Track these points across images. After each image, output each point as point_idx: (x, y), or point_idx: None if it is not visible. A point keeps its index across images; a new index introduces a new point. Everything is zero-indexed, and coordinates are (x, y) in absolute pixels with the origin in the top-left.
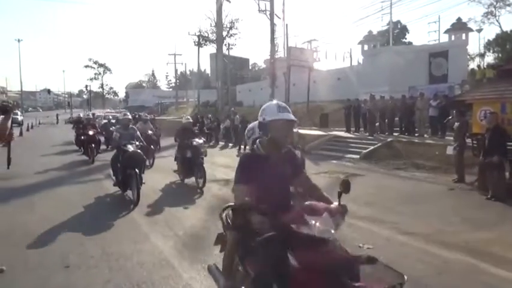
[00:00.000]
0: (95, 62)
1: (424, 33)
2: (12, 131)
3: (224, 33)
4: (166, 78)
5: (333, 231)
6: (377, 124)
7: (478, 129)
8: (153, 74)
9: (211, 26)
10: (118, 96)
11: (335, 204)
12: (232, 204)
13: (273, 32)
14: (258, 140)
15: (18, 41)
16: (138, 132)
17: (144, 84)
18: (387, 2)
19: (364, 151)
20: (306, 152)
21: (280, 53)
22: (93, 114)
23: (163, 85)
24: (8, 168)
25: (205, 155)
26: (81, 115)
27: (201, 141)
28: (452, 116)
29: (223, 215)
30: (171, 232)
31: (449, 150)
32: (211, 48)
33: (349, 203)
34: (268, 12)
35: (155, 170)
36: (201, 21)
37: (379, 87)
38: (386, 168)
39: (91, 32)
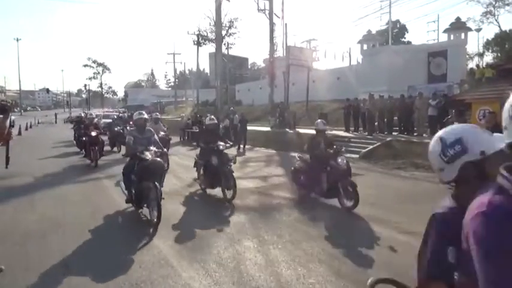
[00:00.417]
0: (94, 61)
1: (423, 33)
2: (11, 130)
3: (223, 33)
4: (165, 77)
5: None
6: (376, 124)
7: None
8: (152, 74)
9: (210, 25)
10: (117, 95)
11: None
12: None
13: (272, 31)
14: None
15: (17, 40)
16: (155, 136)
17: (143, 84)
18: (386, 2)
19: (363, 151)
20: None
21: (280, 52)
22: (85, 113)
23: (162, 84)
24: (7, 167)
25: (235, 162)
26: (83, 114)
27: (228, 145)
28: (451, 115)
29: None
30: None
31: None
32: (211, 48)
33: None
34: (267, 12)
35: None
36: (200, 21)
37: (378, 86)
38: (386, 167)
39: (90, 31)
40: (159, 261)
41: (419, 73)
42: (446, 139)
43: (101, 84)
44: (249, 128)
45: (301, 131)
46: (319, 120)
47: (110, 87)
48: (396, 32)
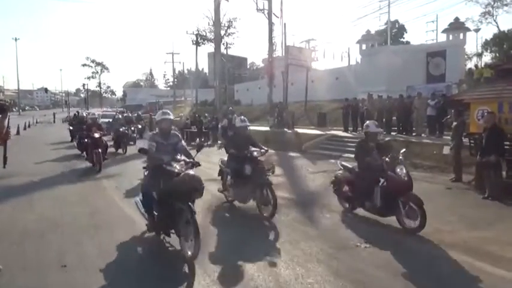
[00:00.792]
0: (93, 61)
1: (422, 33)
2: (9, 130)
3: (222, 32)
4: (164, 77)
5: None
6: None
7: (476, 129)
8: (151, 73)
9: (209, 25)
10: (115, 95)
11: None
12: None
13: (271, 31)
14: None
15: (15, 39)
16: (183, 142)
17: (141, 83)
18: (385, 2)
19: None
20: (303, 151)
21: (278, 52)
22: (77, 113)
23: (161, 84)
24: (4, 167)
25: (273, 172)
26: (84, 114)
27: (263, 150)
28: (450, 115)
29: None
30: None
31: (446, 150)
32: (209, 47)
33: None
34: (266, 11)
35: None
36: (199, 20)
37: (377, 86)
38: None
39: (88, 30)
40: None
41: (418, 73)
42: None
43: (100, 83)
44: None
45: (300, 130)
46: (369, 121)
47: (108, 87)
48: (395, 32)
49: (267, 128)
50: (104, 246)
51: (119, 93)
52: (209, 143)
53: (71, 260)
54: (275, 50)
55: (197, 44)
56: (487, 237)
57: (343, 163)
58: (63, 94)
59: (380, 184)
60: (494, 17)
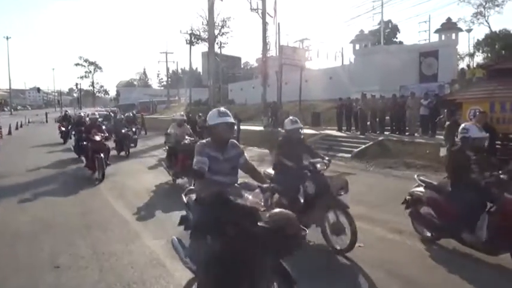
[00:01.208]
0: (85, 60)
1: (414, 33)
2: (1, 130)
3: (216, 32)
4: (158, 76)
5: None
6: (368, 123)
7: None
8: (144, 73)
9: (203, 24)
10: (109, 94)
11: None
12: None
13: (265, 30)
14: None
15: (7, 38)
16: (245, 155)
17: (135, 83)
18: (378, 2)
19: (356, 150)
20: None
21: (272, 51)
22: (66, 112)
23: (154, 83)
24: None
25: (347, 191)
26: (82, 114)
27: (326, 161)
28: (443, 115)
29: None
30: None
31: (443, 152)
32: (203, 47)
33: None
34: (260, 11)
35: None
36: (193, 20)
37: (370, 86)
38: (378, 167)
39: (81, 29)
40: (151, 261)
41: (410, 73)
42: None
43: (93, 83)
44: (242, 127)
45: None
46: (468, 124)
47: (101, 86)
48: (388, 32)
49: (261, 128)
50: (97, 245)
51: (112, 93)
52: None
53: (64, 261)
54: (269, 50)
55: (191, 43)
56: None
57: (423, 178)
58: (56, 93)
59: (487, 210)
60: (486, 17)
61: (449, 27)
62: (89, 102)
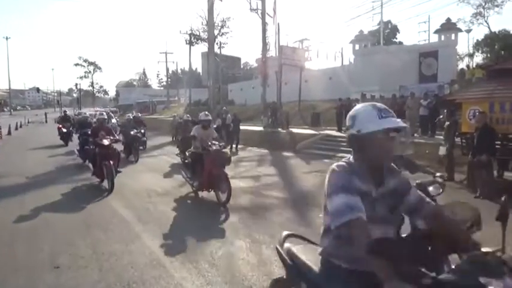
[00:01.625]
0: (85, 60)
1: (414, 33)
2: (0, 130)
3: (216, 32)
4: (158, 76)
5: None
6: None
7: (467, 129)
8: (144, 73)
9: (202, 24)
10: (108, 94)
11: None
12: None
13: (264, 30)
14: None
15: (6, 38)
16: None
17: (135, 83)
18: (378, 2)
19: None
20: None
21: (272, 52)
22: (65, 112)
23: (154, 84)
24: None
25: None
26: (87, 114)
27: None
28: (442, 115)
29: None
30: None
31: (442, 151)
32: (203, 47)
33: None
34: (259, 11)
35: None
36: (193, 20)
37: (370, 86)
38: None
39: (81, 29)
40: (151, 261)
41: (410, 73)
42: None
43: (92, 83)
44: (241, 127)
45: (294, 130)
46: None
47: (101, 87)
48: (388, 32)
49: (261, 128)
50: (97, 245)
51: (112, 93)
52: None
53: (64, 261)
54: (269, 50)
55: (190, 43)
56: (479, 236)
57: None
58: (55, 94)
59: None
60: (486, 18)
61: (448, 27)
62: (88, 102)
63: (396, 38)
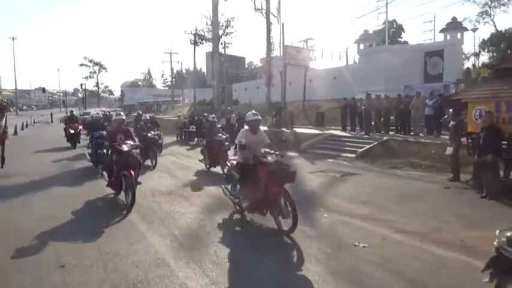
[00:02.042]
0: (90, 61)
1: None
2: (7, 130)
3: (220, 32)
4: (162, 76)
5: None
6: (373, 123)
7: (473, 128)
8: (149, 73)
9: (207, 24)
10: (113, 94)
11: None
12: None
13: (269, 30)
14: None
15: (13, 39)
16: None
17: (139, 83)
18: (383, 1)
19: (360, 150)
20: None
21: (277, 51)
22: (72, 112)
23: (159, 84)
24: (2, 167)
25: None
26: (100, 114)
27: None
28: (448, 115)
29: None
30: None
31: (449, 151)
32: (208, 47)
33: (345, 202)
34: (264, 11)
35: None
36: (197, 20)
37: (375, 86)
38: (382, 167)
39: (86, 30)
40: (155, 260)
41: (415, 73)
42: None
43: (97, 83)
44: (246, 127)
45: (298, 130)
46: None
47: (106, 87)
48: (393, 31)
49: (265, 128)
50: (102, 245)
51: (117, 93)
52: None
53: (69, 260)
54: (273, 50)
55: (195, 43)
56: (485, 236)
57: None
58: (61, 94)
59: None
60: (492, 16)
61: (454, 26)
62: (93, 102)
63: (401, 38)
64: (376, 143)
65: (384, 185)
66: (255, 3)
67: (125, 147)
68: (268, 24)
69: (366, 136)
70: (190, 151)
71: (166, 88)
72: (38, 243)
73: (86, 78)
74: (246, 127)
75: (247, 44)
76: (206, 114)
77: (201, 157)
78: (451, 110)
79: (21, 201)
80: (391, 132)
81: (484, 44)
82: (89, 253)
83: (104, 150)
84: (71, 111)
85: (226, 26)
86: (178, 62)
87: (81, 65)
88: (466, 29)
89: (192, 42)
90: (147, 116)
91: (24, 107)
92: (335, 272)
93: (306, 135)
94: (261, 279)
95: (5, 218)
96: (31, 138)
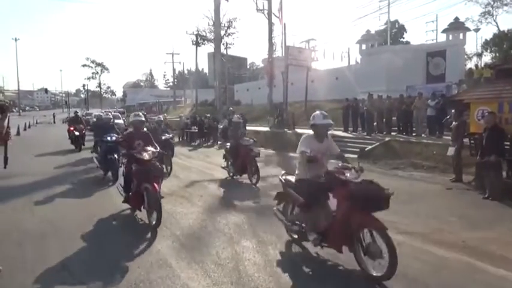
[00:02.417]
0: (93, 61)
1: (421, 33)
2: (9, 130)
3: (222, 33)
4: (164, 77)
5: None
6: (375, 123)
7: (476, 129)
8: (150, 73)
9: (209, 25)
10: (115, 95)
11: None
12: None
13: (270, 31)
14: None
15: (15, 40)
16: None
17: (142, 84)
18: (385, 2)
19: (362, 151)
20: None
21: (278, 52)
22: (76, 113)
23: (161, 84)
24: (5, 167)
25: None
26: (110, 115)
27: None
28: (450, 115)
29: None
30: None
31: (450, 152)
32: (209, 48)
33: None
34: (266, 12)
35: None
36: (199, 21)
37: (377, 86)
38: (384, 167)
39: (89, 31)
40: (157, 261)
41: (417, 73)
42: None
43: (100, 84)
44: (248, 128)
45: (300, 131)
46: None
47: (108, 87)
48: (395, 32)
49: (267, 129)
50: (104, 246)
51: (119, 94)
52: (209, 143)
53: (72, 261)
54: (275, 50)
55: (197, 44)
56: (488, 237)
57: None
58: (63, 95)
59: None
60: (494, 17)
61: (456, 26)
62: (96, 103)
63: (403, 38)
64: (378, 143)
65: (386, 185)
66: (256, 3)
67: (146, 156)
68: (270, 25)
69: (368, 137)
70: (192, 152)
71: (168, 89)
72: (41, 243)
73: (88, 79)
74: (309, 132)
75: (249, 45)
76: (208, 115)
77: (224, 164)
78: (453, 111)
79: (25, 202)
80: (393, 133)
81: (486, 45)
82: (91, 254)
83: (115, 155)
84: (75, 112)
85: (228, 27)
86: (180, 63)
87: (84, 65)
88: (468, 29)
89: (194, 42)
90: (160, 116)
91: (27, 108)
92: (337, 272)
93: None
94: None
95: (8, 218)
96: (34, 139)
